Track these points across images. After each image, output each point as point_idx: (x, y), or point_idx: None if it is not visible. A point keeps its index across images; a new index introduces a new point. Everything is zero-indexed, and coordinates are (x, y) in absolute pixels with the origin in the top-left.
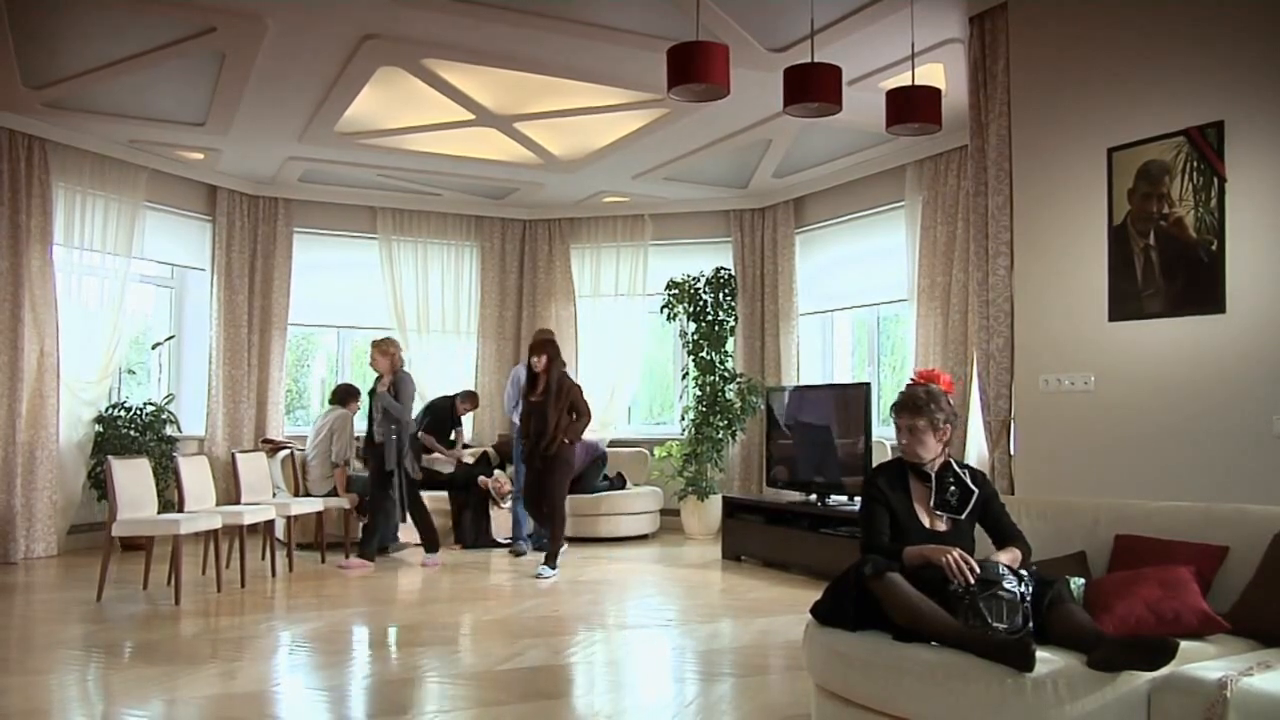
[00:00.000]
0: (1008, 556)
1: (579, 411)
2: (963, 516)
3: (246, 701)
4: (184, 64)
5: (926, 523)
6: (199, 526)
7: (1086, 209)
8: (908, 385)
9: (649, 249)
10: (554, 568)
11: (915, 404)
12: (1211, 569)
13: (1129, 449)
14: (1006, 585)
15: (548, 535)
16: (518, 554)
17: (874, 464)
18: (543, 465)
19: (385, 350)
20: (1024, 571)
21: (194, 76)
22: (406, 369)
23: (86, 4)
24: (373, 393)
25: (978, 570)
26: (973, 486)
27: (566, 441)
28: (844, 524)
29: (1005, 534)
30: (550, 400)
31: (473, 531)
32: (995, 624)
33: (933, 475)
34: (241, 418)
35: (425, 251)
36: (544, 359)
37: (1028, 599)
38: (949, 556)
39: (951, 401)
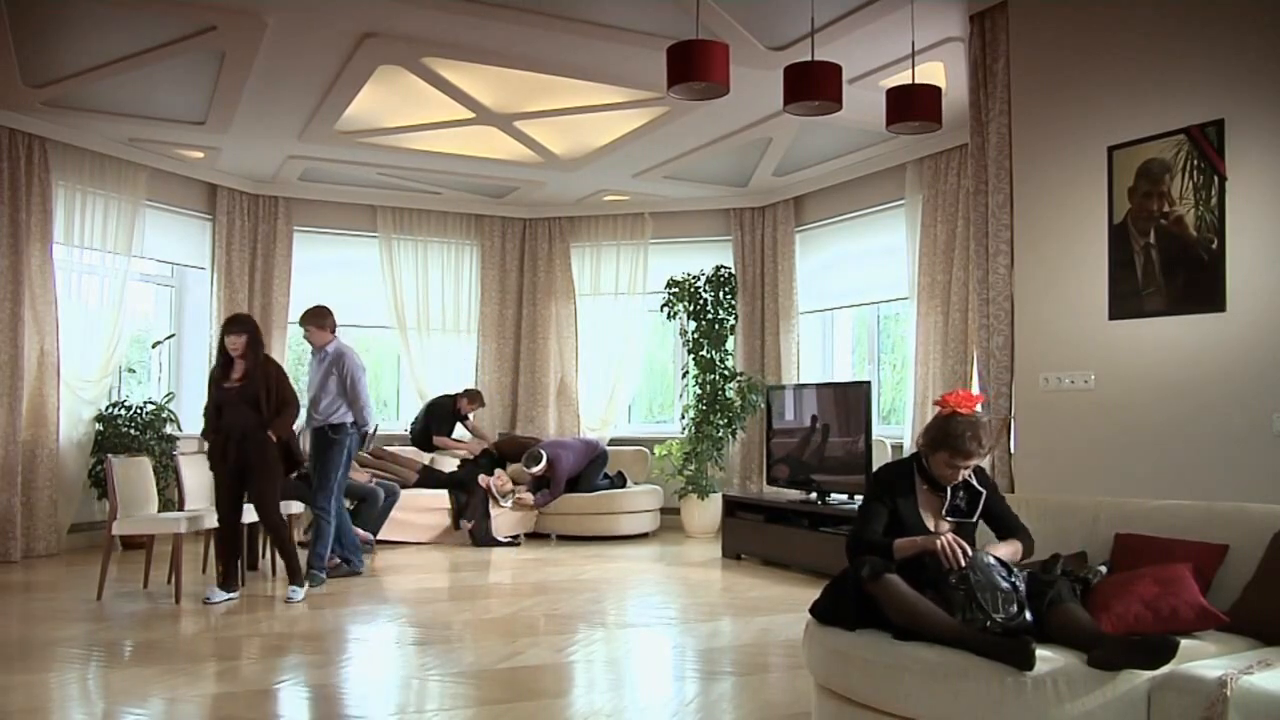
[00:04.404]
0: (1007, 550)
1: (285, 400)
2: (973, 520)
3: (246, 700)
4: (184, 62)
5: (931, 525)
6: (200, 525)
7: (1087, 207)
8: (958, 420)
9: (649, 247)
10: (315, 584)
11: (970, 452)
12: (1212, 567)
13: (1129, 447)
14: (998, 577)
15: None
16: (314, 583)
17: (874, 463)
18: (244, 469)
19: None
20: (1013, 565)
21: (194, 75)
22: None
23: (86, 3)
24: None
25: (969, 553)
26: (979, 488)
27: (274, 438)
28: (844, 523)
29: (1009, 527)
30: (255, 389)
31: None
32: (993, 614)
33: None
34: None
35: (425, 250)
36: (243, 339)
37: (1021, 590)
38: (941, 540)
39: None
